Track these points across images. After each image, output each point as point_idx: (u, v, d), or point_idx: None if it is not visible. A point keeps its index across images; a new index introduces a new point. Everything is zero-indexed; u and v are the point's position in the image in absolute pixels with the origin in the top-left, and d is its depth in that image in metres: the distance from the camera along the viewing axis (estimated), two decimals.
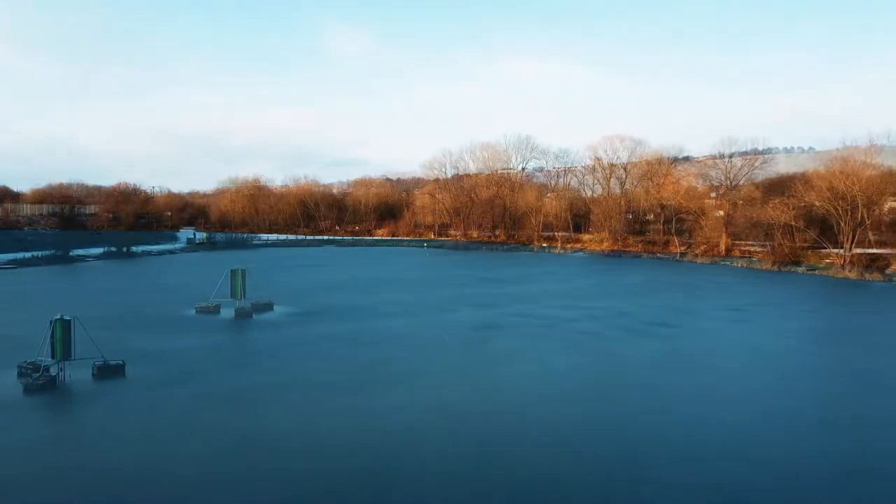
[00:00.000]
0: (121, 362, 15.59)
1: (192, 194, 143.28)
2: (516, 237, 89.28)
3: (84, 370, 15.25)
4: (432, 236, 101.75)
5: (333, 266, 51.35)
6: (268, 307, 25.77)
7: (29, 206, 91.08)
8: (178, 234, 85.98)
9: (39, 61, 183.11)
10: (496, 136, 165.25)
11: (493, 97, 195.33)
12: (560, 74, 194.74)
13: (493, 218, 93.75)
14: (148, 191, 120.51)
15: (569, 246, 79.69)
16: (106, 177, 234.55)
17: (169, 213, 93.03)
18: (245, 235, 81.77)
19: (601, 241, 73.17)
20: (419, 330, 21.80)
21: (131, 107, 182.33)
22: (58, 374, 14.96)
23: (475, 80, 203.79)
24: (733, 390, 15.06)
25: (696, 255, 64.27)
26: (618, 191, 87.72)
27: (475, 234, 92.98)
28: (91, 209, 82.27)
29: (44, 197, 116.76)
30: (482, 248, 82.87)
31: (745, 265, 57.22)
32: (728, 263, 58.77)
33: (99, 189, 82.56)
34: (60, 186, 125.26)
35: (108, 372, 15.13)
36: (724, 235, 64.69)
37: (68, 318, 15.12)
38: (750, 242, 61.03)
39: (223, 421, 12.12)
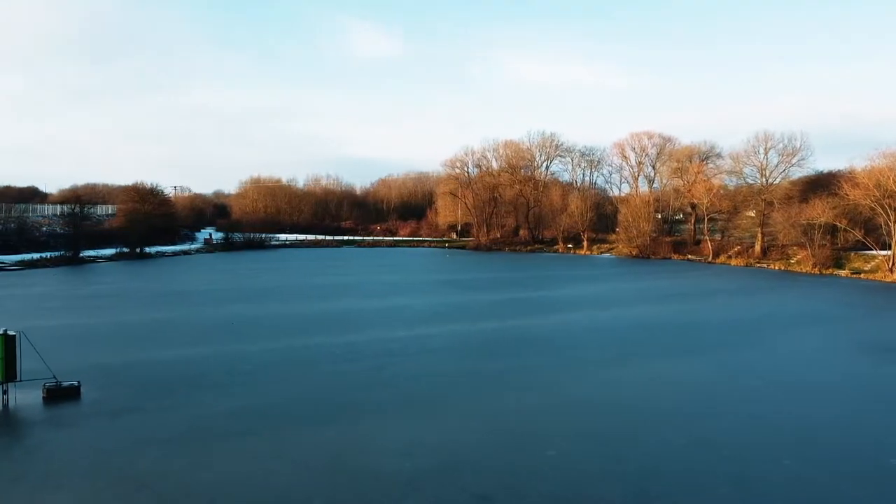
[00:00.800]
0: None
1: (217, 194, 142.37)
2: (540, 238, 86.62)
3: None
4: (454, 237, 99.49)
5: (343, 268, 49.33)
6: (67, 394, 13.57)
7: (50, 206, 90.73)
8: (197, 235, 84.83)
9: (72, 61, 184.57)
10: (520, 133, 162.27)
11: (517, 96, 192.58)
12: (584, 72, 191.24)
13: (516, 218, 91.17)
14: (169, 191, 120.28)
15: (595, 247, 76.84)
16: (136, 178, 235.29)
17: (186, 213, 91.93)
18: (262, 236, 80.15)
19: (629, 243, 70.19)
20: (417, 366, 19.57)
21: (159, 107, 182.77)
22: None
23: (499, 79, 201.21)
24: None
25: (730, 258, 61.12)
26: (646, 189, 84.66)
27: (498, 235, 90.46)
28: (108, 209, 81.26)
29: (69, 198, 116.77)
30: (505, 250, 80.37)
31: (782, 268, 54.05)
32: (764, 266, 55.63)
33: (124, 189, 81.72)
34: (86, 187, 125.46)
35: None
36: (759, 236, 61.40)
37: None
38: (788, 244, 57.74)
39: None
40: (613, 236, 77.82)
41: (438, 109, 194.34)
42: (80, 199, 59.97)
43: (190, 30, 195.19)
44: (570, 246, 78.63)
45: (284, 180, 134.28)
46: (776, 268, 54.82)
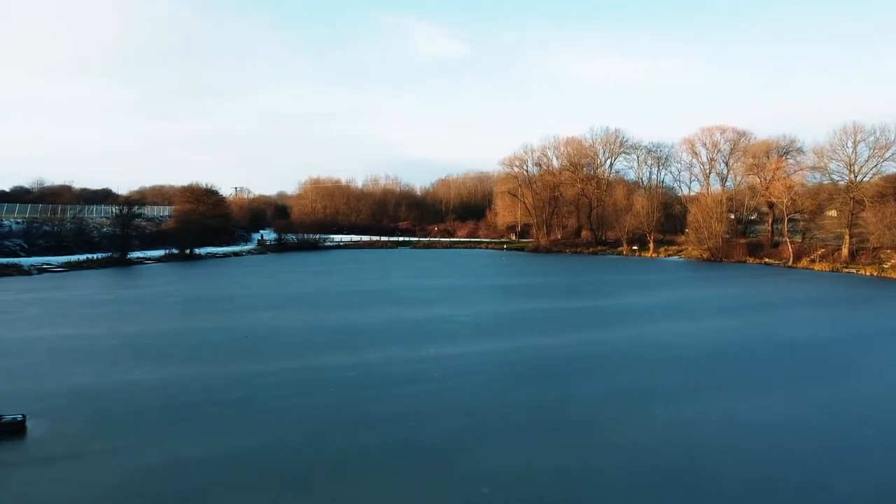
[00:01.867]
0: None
1: (281, 196, 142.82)
2: (603, 239, 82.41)
3: None
4: (513, 238, 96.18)
5: (390, 271, 46.95)
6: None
7: (115, 208, 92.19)
8: (254, 236, 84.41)
9: (149, 66, 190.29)
10: (582, 130, 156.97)
11: (578, 95, 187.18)
12: (648, 68, 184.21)
13: (577, 218, 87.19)
14: (229, 192, 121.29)
15: (662, 249, 72.23)
16: (205, 179, 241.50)
17: (243, 214, 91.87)
18: (316, 237, 78.92)
19: (699, 244, 65.40)
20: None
21: (228, 111, 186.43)
22: None
23: (560, 78, 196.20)
24: None
25: (812, 262, 55.74)
26: (718, 188, 79.31)
27: (559, 236, 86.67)
28: (165, 211, 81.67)
29: (138, 198, 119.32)
30: (566, 251, 76.64)
31: (874, 273, 48.63)
32: (853, 271, 50.25)
33: (180, 190, 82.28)
34: (153, 189, 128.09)
35: None
36: (846, 238, 55.78)
37: None
38: (882, 247, 52.10)
39: None
40: (682, 238, 72.98)
41: (500, 109, 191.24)
42: (129, 200, 59.75)
43: (258, 35, 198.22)
44: (634, 248, 74.24)
45: (343, 181, 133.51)
46: (867, 273, 49.40)
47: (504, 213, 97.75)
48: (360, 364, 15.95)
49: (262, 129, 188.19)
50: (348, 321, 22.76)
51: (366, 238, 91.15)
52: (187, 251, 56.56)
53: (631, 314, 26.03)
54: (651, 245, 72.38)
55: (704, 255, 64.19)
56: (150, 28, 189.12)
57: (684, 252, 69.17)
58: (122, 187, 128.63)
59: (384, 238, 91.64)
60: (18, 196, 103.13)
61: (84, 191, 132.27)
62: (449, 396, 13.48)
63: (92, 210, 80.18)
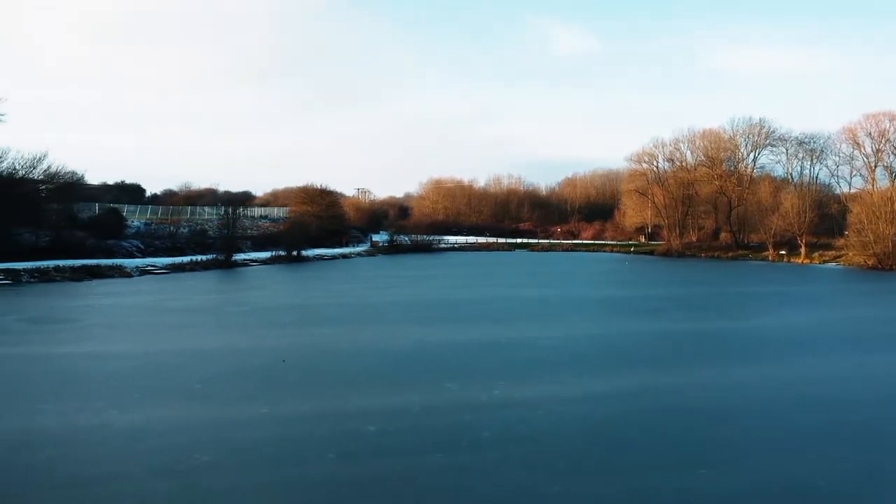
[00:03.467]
0: None
1: (408, 196, 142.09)
2: (745, 242, 73.58)
3: None
4: (642, 240, 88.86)
5: (495, 276, 42.74)
6: None
7: (219, 209, 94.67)
8: (372, 237, 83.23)
9: (291, 74, 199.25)
10: (721, 120, 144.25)
11: (716, 86, 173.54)
12: (793, 56, 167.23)
13: (715, 219, 78.67)
14: (352, 193, 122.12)
15: (816, 255, 62.89)
16: (334, 181, 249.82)
17: (360, 216, 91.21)
18: (429, 238, 76.25)
19: (863, 250, 55.89)
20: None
21: (357, 115, 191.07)
22: None
23: (698, 69, 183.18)
24: None
25: None
26: (886, 184, 68.34)
27: (694, 239, 78.62)
28: (282, 212, 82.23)
29: (269, 200, 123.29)
30: (700, 256, 68.96)
31: None
32: None
33: (294, 191, 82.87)
34: (285, 190, 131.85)
35: None
36: None
37: None
38: None
39: None
40: (841, 241, 63.12)
41: (633, 104, 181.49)
42: (235, 200, 59.66)
43: (386, 38, 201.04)
44: (782, 253, 65.31)
45: (466, 181, 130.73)
46: None
47: (632, 214, 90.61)
48: (388, 411, 11.94)
49: (389, 130, 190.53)
50: (409, 342, 18.84)
51: (482, 240, 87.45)
52: (295, 253, 55.38)
53: (775, 342, 20.19)
54: (802, 250, 63.29)
55: (869, 263, 54.82)
56: (285, 38, 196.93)
57: (843, 258, 59.70)
58: (259, 189, 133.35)
59: (501, 240, 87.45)
60: (162, 199, 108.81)
61: (226, 193, 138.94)
62: (495, 480, 9.04)
63: (212, 212, 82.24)
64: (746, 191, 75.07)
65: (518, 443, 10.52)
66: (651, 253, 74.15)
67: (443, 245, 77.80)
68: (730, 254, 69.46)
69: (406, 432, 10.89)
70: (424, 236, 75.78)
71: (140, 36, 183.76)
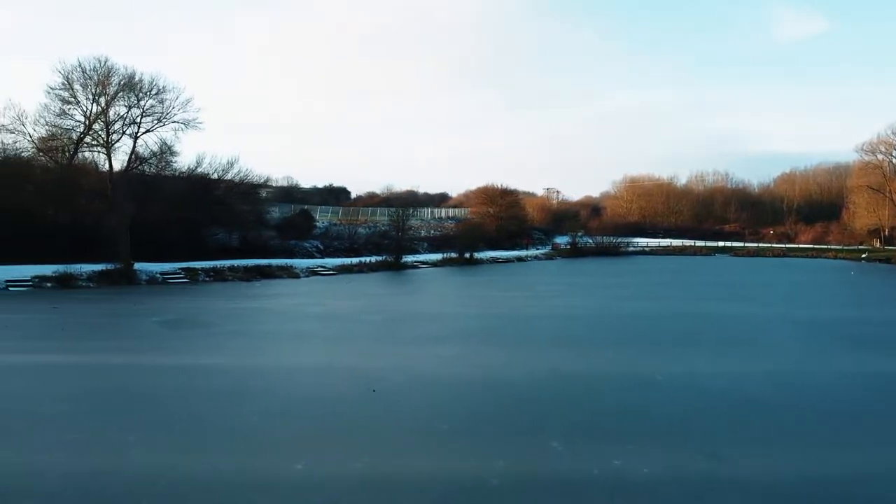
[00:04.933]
0: None
1: (604, 196, 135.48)
2: None
3: None
4: (877, 244, 75.25)
5: (679, 288, 36.78)
6: None
7: (429, 210, 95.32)
8: (556, 239, 79.25)
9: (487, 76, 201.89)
10: None
11: None
12: None
13: None
14: (541, 192, 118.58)
15: None
16: (533, 181, 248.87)
17: (544, 216, 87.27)
18: (616, 241, 70.44)
19: None
20: None
21: (560, 114, 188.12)
22: None
23: None
24: None
25: None
26: None
27: None
28: (464, 213, 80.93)
29: (461, 201, 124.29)
30: None
31: None
32: None
33: (475, 192, 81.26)
34: (478, 190, 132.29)
35: None
36: None
37: None
38: None
39: None
40: None
41: (863, 89, 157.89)
42: (404, 201, 58.85)
43: (591, 36, 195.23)
44: None
45: (665, 178, 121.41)
46: None
47: (863, 214, 77.07)
48: (443, 486, 8.37)
49: (588, 128, 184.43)
50: (539, 372, 14.88)
51: (678, 243, 79.45)
52: (467, 255, 53.25)
53: None
54: None
55: None
56: (488, 41, 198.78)
57: None
58: (454, 191, 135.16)
59: (699, 243, 78.75)
60: (363, 201, 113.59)
61: (425, 195, 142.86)
62: None
63: (415, 214, 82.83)
64: None
65: None
66: (888, 260, 61.97)
67: (631, 248, 71.53)
68: None
69: None
70: (611, 238, 70.10)
71: (351, 49, 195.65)
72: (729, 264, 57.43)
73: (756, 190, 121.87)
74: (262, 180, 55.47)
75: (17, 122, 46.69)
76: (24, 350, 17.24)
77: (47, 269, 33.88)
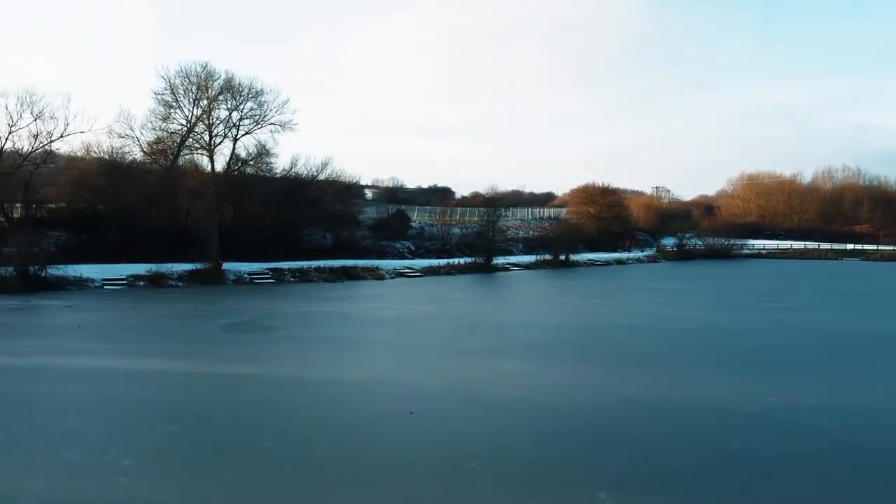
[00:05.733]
0: None
1: (720, 195, 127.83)
2: None
3: None
4: None
5: (797, 296, 32.76)
6: None
7: (529, 210, 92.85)
8: (662, 241, 74.86)
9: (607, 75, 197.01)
10: None
11: None
12: None
13: None
14: (649, 191, 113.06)
15: None
16: (640, 181, 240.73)
17: (650, 216, 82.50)
18: (729, 242, 65.32)
19: None
20: None
21: (675, 111, 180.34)
22: None
23: None
24: None
25: None
26: None
27: None
28: (563, 213, 77.92)
29: (566, 200, 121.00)
30: None
31: None
32: None
33: (572, 192, 78.08)
34: (578, 189, 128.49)
35: None
36: None
37: None
38: None
39: None
40: None
41: None
42: (494, 202, 56.91)
43: (724, 29, 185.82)
44: None
45: (787, 175, 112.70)
46: None
47: None
48: None
49: (707, 124, 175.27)
50: (607, 398, 12.79)
51: (799, 245, 72.87)
52: (562, 257, 50.78)
53: None
54: None
55: None
56: (602, 39, 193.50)
57: None
58: (560, 190, 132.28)
59: (824, 245, 71.83)
60: (468, 201, 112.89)
61: (530, 194, 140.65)
62: None
63: (508, 214, 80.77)
64: None
65: None
66: None
67: (745, 251, 66.14)
68: None
69: None
70: (723, 239, 65.10)
71: (454, 49, 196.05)
72: (858, 270, 51.57)
73: (893, 187, 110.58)
74: (355, 180, 55.42)
75: (127, 126, 48.96)
76: (80, 352, 17.00)
77: (142, 269, 34.80)
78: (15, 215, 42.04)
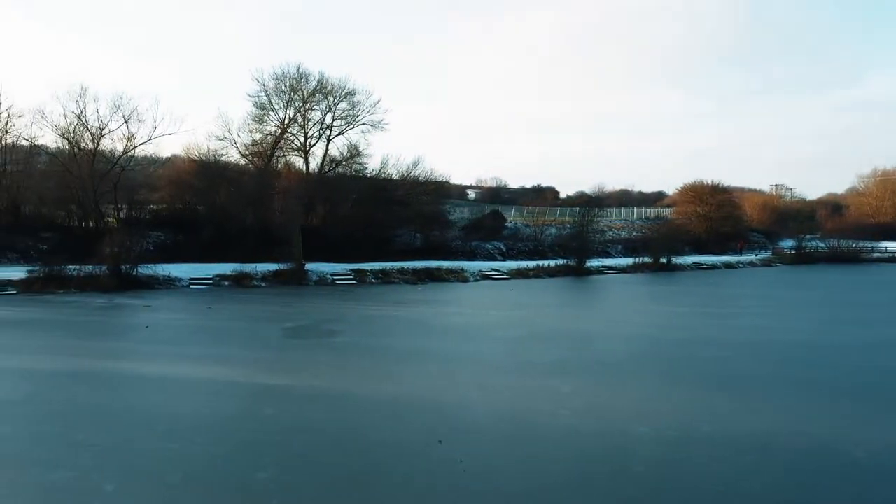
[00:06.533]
0: None
1: (849, 192, 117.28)
2: None
3: None
4: None
5: None
6: None
7: (624, 210, 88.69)
8: (777, 243, 68.99)
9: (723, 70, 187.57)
10: None
11: None
12: None
13: None
14: (767, 188, 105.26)
15: None
16: (754, 179, 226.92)
17: (767, 215, 76.11)
18: (858, 245, 58.97)
19: None
20: None
21: (787, 107, 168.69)
22: None
23: None
24: None
25: None
26: None
27: None
28: (669, 212, 73.38)
29: (676, 200, 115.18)
30: None
31: None
32: None
33: (679, 190, 73.38)
34: (685, 187, 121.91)
35: None
36: None
37: None
38: None
39: None
40: None
41: None
42: (590, 200, 53.97)
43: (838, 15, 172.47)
44: None
45: None
46: None
47: None
48: None
49: (834, 118, 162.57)
50: (665, 426, 10.79)
51: None
52: (663, 260, 47.48)
53: None
54: None
55: None
56: (698, 34, 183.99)
57: None
58: (672, 188, 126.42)
59: None
60: (574, 201, 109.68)
61: (639, 193, 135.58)
62: None
63: (611, 213, 77.23)
64: None
65: None
66: None
67: (875, 254, 59.53)
68: None
69: None
70: (850, 242, 58.90)
71: (544, 47, 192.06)
72: None
73: None
74: (445, 179, 54.46)
75: (225, 129, 50.46)
76: (131, 355, 16.75)
77: (229, 268, 35.27)
78: (119, 216, 44.05)
